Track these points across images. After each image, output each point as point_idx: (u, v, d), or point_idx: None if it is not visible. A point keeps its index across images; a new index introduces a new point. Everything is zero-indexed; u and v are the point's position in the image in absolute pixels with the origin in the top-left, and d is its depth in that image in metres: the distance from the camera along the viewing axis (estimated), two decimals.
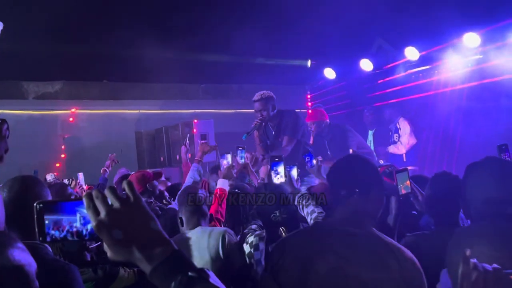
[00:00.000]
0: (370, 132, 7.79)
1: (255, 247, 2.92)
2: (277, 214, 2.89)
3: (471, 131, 6.46)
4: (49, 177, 6.15)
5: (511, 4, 5.34)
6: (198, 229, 3.16)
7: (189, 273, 1.04)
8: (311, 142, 6.17)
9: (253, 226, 3.18)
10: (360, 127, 7.20)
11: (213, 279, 1.06)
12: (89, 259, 2.84)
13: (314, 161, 4.01)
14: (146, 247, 1.06)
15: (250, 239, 2.96)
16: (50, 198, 2.31)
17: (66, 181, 5.71)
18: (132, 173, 5.03)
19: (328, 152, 6.16)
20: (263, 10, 6.47)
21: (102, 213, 1.07)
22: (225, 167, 3.96)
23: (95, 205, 1.08)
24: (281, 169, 3.62)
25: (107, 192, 1.09)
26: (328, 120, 6.30)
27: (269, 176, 3.60)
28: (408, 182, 2.94)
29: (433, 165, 7.09)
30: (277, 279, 2.04)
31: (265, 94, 5.47)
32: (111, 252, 1.07)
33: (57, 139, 8.63)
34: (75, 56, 7.28)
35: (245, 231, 3.19)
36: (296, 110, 6.25)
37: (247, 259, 2.93)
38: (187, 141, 5.08)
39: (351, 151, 5.90)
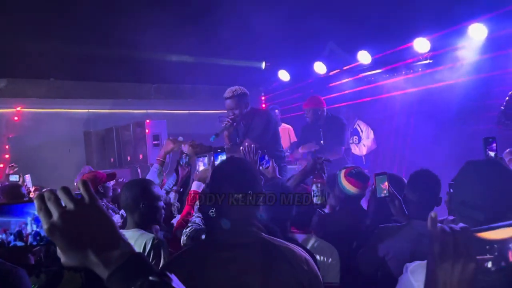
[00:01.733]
0: None
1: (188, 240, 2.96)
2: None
3: (422, 134, 6.64)
4: None
5: (461, 10, 5.53)
6: (131, 230, 3.04)
7: (150, 278, 0.98)
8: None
9: (197, 220, 3.18)
10: None
11: (176, 283, 1.01)
12: (33, 262, 2.70)
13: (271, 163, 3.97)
14: (103, 251, 1.00)
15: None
16: None
17: (12, 177, 5.47)
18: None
19: (321, 141, 6.12)
20: (217, 10, 6.42)
21: (55, 215, 1.00)
22: (200, 169, 3.74)
23: (47, 207, 1.01)
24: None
25: (59, 193, 1.02)
26: (325, 108, 6.25)
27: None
28: (386, 184, 2.96)
29: (384, 167, 7.25)
30: None
31: (237, 91, 4.82)
32: (64, 257, 1.00)
33: (0, 139, 8.26)
34: (20, 52, 6.99)
35: (189, 225, 3.16)
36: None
37: None
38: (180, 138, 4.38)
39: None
